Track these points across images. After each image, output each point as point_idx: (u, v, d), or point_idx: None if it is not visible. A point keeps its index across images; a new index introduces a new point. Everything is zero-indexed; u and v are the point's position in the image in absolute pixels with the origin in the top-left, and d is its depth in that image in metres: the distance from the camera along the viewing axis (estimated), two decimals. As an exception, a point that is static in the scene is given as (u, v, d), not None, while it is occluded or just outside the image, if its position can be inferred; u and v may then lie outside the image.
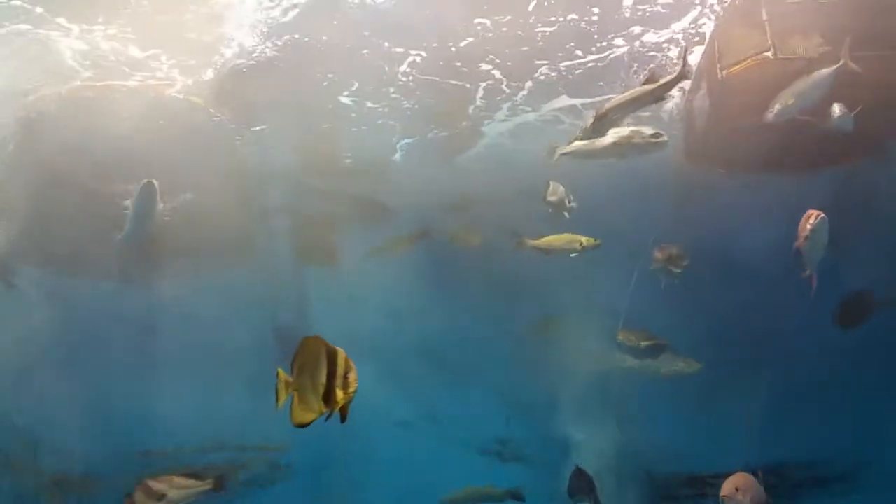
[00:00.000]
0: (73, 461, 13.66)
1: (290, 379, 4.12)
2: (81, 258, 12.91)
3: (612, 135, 8.07)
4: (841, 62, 7.81)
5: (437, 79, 10.74)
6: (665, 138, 8.15)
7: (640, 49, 9.95)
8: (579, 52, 10.12)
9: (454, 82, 10.88)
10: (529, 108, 11.91)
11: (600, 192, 10.41)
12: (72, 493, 13.71)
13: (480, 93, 11.31)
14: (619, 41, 9.79)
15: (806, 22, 8.29)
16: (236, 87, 10.87)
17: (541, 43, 9.74)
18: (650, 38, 9.69)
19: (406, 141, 13.03)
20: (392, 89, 11.05)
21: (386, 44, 9.81)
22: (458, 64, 10.34)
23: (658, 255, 10.84)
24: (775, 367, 13.80)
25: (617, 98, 7.47)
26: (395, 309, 14.99)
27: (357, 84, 10.97)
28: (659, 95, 7.14)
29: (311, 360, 4.06)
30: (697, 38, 9.79)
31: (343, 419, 4.09)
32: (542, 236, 9.97)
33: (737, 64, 8.73)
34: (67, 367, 13.73)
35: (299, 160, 13.32)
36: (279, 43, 9.75)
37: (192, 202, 12.26)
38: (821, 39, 8.26)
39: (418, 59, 10.21)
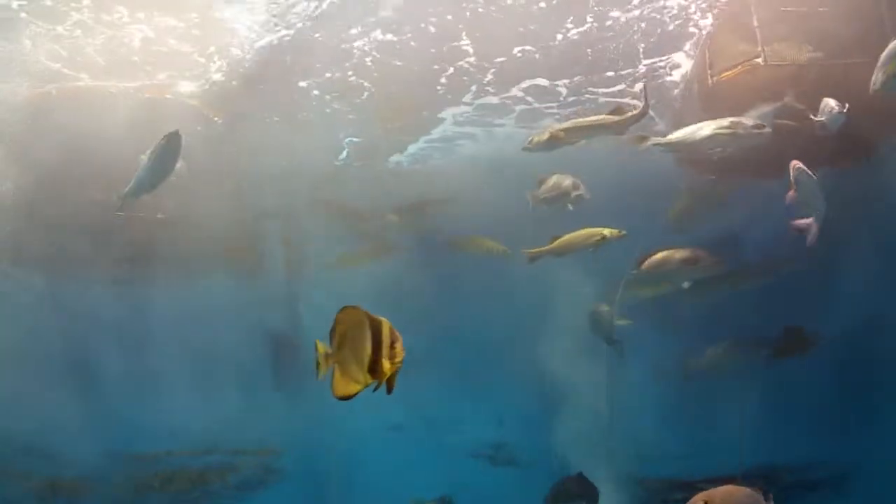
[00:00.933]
0: (64, 464, 13.63)
1: (330, 351, 4.00)
2: (74, 260, 12.89)
3: (712, 125, 7.78)
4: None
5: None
6: (769, 129, 7.78)
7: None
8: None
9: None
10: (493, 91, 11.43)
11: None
12: (63, 496, 13.67)
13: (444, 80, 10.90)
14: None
15: (796, 28, 8.36)
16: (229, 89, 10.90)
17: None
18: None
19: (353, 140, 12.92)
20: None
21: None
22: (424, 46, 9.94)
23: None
24: (765, 371, 13.89)
25: (577, 121, 7.80)
26: (386, 311, 14.99)
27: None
28: (619, 130, 7.53)
29: (353, 331, 3.94)
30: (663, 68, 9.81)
31: (389, 390, 3.97)
32: (557, 237, 9.47)
33: (727, 70, 8.78)
34: (59, 370, 13.71)
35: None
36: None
37: (186, 204, 12.28)
38: (811, 46, 8.34)
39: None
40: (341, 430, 14.97)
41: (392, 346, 3.89)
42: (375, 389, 3.99)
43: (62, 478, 13.74)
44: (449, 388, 15.55)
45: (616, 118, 7.53)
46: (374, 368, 3.90)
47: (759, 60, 8.40)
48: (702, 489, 13.25)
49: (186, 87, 10.89)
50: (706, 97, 9.34)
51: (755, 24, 8.45)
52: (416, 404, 15.68)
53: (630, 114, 7.50)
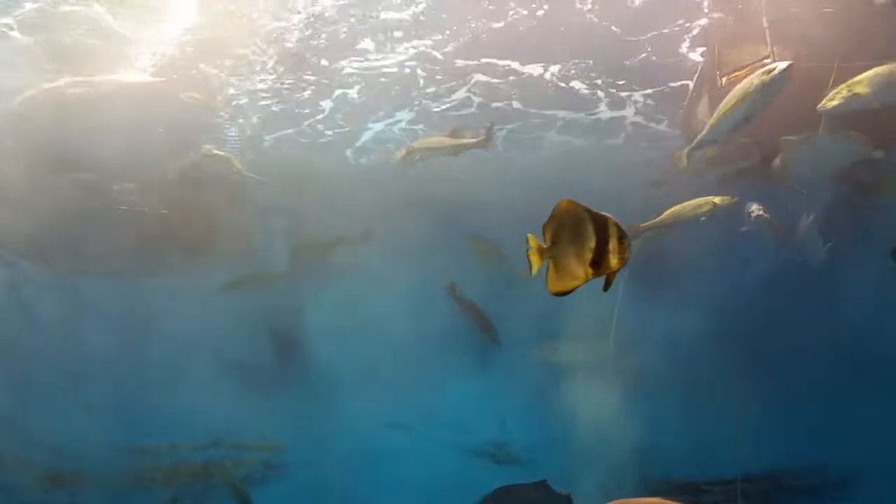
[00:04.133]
0: (67, 457, 13.64)
1: (545, 245, 3.86)
2: (78, 253, 12.89)
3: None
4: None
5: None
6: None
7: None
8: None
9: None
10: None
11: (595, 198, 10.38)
12: (66, 488, 13.68)
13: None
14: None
15: (806, 29, 8.34)
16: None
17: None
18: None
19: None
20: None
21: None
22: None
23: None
24: (769, 372, 13.86)
25: (426, 141, 8.98)
26: (391, 309, 15.00)
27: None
28: (457, 152, 8.73)
29: (574, 225, 3.79)
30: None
31: (607, 287, 3.83)
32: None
33: (737, 71, 8.77)
34: (62, 363, 13.73)
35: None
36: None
37: (190, 198, 12.30)
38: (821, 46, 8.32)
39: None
40: (344, 426, 14.98)
41: (620, 241, 3.76)
42: (607, 287, 3.86)
43: (65, 470, 13.75)
44: (451, 385, 15.55)
45: (455, 142, 8.78)
46: (597, 263, 3.77)
47: (769, 61, 8.39)
48: (705, 490, 13.32)
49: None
50: (716, 98, 9.32)
51: (765, 24, 8.46)
52: (418, 402, 15.70)
53: (467, 141, 8.80)
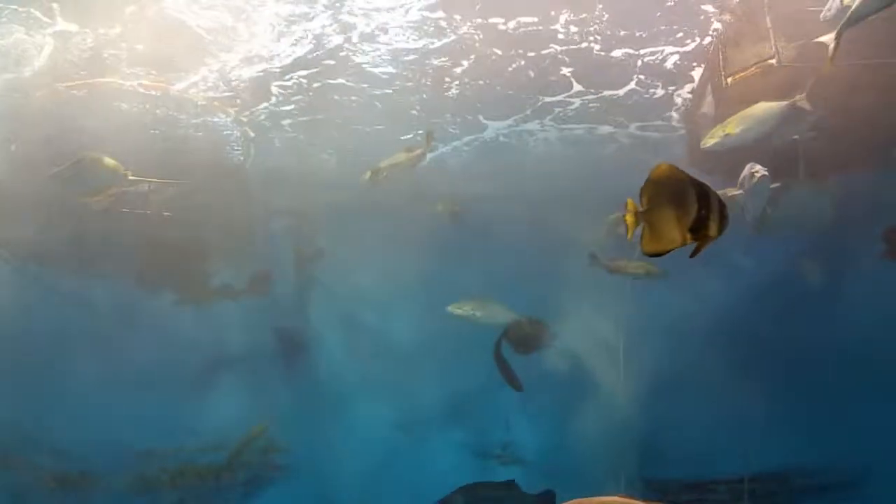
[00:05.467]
0: (73, 459, 13.67)
1: (642, 209, 3.90)
2: (81, 257, 12.92)
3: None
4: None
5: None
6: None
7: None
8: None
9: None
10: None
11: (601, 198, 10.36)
12: (72, 491, 13.71)
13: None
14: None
15: (810, 29, 8.28)
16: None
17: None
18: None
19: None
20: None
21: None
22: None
23: None
24: (776, 372, 13.82)
25: (389, 159, 9.56)
26: (394, 310, 15.00)
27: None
28: (415, 164, 9.53)
29: (674, 190, 3.83)
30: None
31: (696, 253, 3.90)
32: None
33: (741, 71, 8.72)
34: (68, 365, 13.75)
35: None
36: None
37: (194, 200, 12.29)
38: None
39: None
40: (349, 428, 14.98)
41: (721, 211, 3.82)
42: (697, 250, 3.90)
43: (71, 472, 13.78)
44: (456, 387, 15.54)
45: (410, 154, 9.53)
46: (695, 229, 3.82)
47: (773, 61, 8.34)
48: (711, 490, 13.26)
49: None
50: (721, 95, 9.28)
51: (769, 24, 8.40)
52: (422, 403, 15.70)
53: (416, 153, 9.57)
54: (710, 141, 8.51)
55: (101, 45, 9.77)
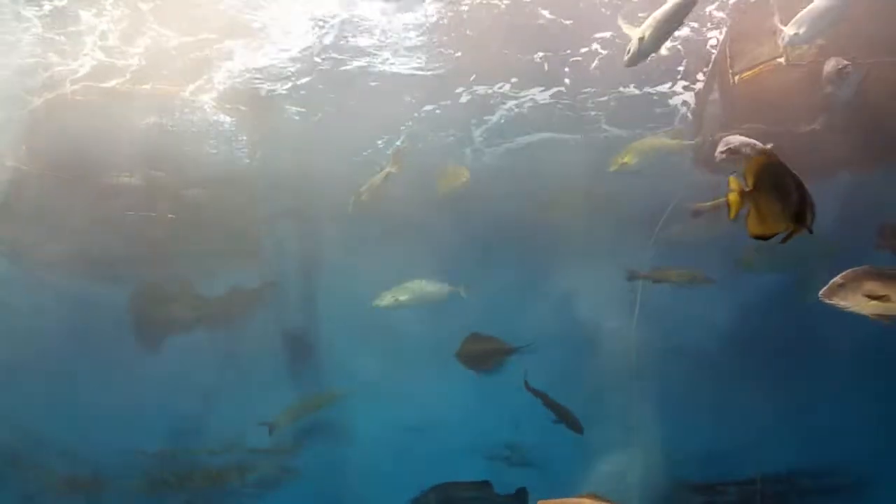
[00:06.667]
0: (83, 462, 13.71)
1: (748, 190, 3.87)
2: (88, 259, 12.99)
3: None
4: None
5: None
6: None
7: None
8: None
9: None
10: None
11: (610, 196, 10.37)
12: (81, 493, 13.76)
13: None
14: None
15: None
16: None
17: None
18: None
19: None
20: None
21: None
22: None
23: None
24: (786, 372, 13.76)
25: (367, 184, 10.04)
26: (402, 311, 14.98)
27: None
28: (386, 183, 9.90)
29: (777, 176, 3.83)
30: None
31: (785, 241, 3.90)
32: None
33: (749, 70, 8.70)
34: (77, 367, 13.80)
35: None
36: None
37: (201, 201, 12.35)
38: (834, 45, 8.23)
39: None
40: (358, 430, 14.97)
41: (813, 204, 3.84)
42: (789, 237, 3.89)
43: (81, 475, 13.83)
44: (465, 388, 15.51)
45: (390, 169, 9.98)
46: (799, 216, 3.81)
47: (781, 60, 8.32)
48: (721, 492, 13.21)
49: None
50: (728, 91, 9.26)
51: (777, 22, 8.36)
52: (431, 405, 15.67)
53: (392, 168, 9.99)
54: (612, 168, 9.26)
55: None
